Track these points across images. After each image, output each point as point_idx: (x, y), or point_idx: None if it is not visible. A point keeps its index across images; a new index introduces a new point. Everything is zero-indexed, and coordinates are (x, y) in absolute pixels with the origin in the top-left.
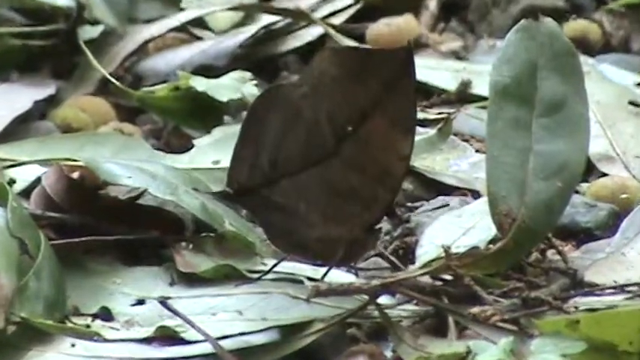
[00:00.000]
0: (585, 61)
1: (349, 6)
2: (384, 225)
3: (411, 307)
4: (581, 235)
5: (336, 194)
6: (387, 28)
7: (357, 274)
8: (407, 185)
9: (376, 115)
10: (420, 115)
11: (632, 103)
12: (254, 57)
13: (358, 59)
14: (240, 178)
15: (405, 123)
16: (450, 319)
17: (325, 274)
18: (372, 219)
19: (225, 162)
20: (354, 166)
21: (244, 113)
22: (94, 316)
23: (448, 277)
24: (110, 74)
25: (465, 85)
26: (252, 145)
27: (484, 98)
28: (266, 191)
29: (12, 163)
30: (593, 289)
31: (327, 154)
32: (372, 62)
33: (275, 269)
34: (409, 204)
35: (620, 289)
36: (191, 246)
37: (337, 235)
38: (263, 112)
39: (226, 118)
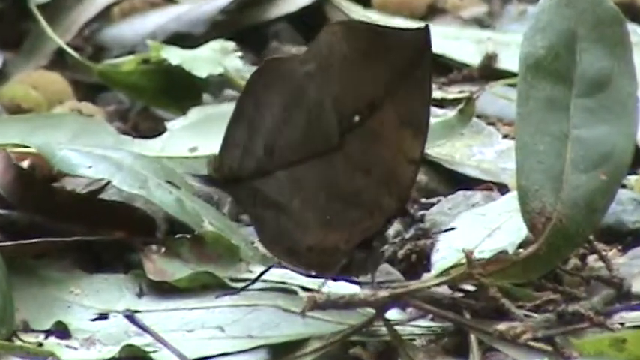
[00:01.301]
0: (634, 30)
1: None
2: (395, 225)
3: (425, 322)
4: (628, 238)
5: (335, 195)
6: None
7: (361, 284)
8: (421, 177)
9: (385, 107)
10: (437, 94)
11: None
12: (238, 24)
13: (372, 39)
14: (231, 164)
15: (416, 121)
16: (472, 337)
17: (323, 283)
18: (373, 228)
19: (204, 149)
20: (358, 165)
21: (226, 91)
22: (48, 333)
23: (470, 288)
24: (67, 44)
25: (490, 58)
26: (246, 127)
27: (513, 74)
28: (258, 182)
29: None
30: None
31: (329, 146)
32: (387, 44)
33: (263, 277)
34: (423, 200)
35: None
36: (163, 249)
37: (333, 244)
38: (261, 89)
39: (205, 96)
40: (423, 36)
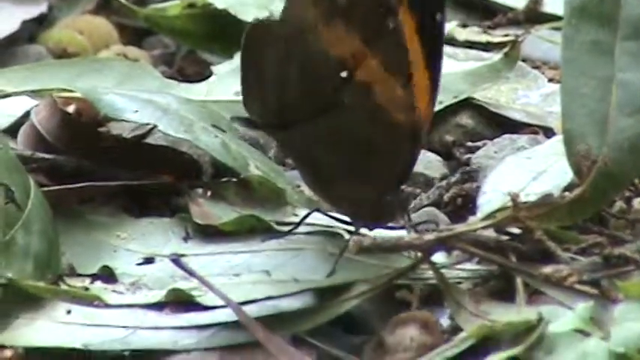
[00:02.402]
0: None
1: None
2: (440, 168)
3: (471, 266)
4: None
5: (351, 146)
6: None
7: (408, 227)
8: (466, 121)
9: (368, 59)
10: (483, 38)
11: None
12: None
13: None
14: (257, 114)
15: (399, 68)
16: (518, 281)
17: (366, 228)
18: (392, 175)
19: None
20: (362, 115)
21: None
22: (94, 277)
23: (516, 231)
24: None
25: (536, 1)
26: (256, 83)
27: (558, 17)
28: (283, 134)
29: None
30: None
31: (329, 102)
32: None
33: (309, 221)
34: (469, 143)
35: None
36: (209, 193)
37: (360, 194)
38: (253, 51)
39: None
40: None
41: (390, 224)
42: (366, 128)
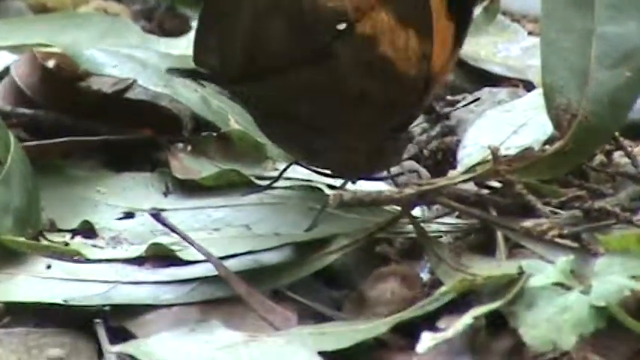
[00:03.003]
0: None
1: None
2: (420, 123)
3: (451, 220)
4: None
5: (343, 97)
6: None
7: (389, 179)
8: None
9: (376, 11)
10: None
11: None
12: None
13: None
14: (211, 65)
15: (417, 19)
16: (499, 235)
17: (345, 182)
18: (392, 126)
19: None
20: (358, 68)
21: None
22: (74, 232)
23: (496, 185)
24: None
25: None
26: (215, 34)
27: None
28: (249, 86)
29: None
30: None
31: (320, 53)
32: None
33: (289, 175)
34: (449, 97)
35: None
36: (189, 148)
37: (351, 143)
38: (219, 11)
39: None
40: None
41: (380, 173)
42: (366, 80)
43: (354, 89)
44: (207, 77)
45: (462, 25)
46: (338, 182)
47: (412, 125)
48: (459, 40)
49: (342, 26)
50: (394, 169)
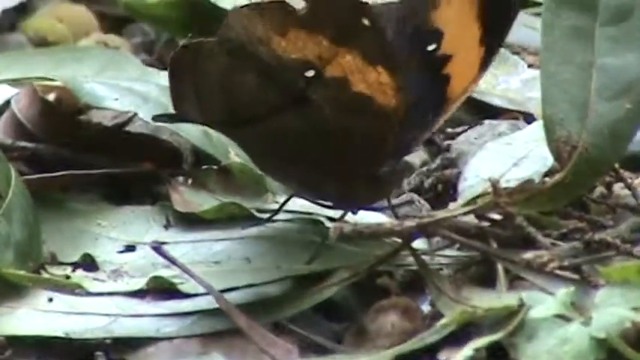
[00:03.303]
0: None
1: None
2: (421, 155)
3: (452, 252)
4: None
5: (326, 138)
6: None
7: (390, 211)
8: None
9: (341, 55)
10: None
11: None
12: None
13: (286, 12)
14: (190, 114)
15: (383, 57)
16: (499, 267)
17: (345, 214)
18: (382, 155)
19: None
20: (336, 106)
21: None
22: (75, 266)
23: (497, 217)
24: None
25: None
26: (191, 89)
27: (538, 3)
28: (230, 131)
29: None
30: None
31: (296, 98)
32: (316, 9)
33: (289, 208)
34: (449, 129)
35: None
36: (190, 181)
37: (347, 176)
38: (185, 69)
39: None
40: None
41: (377, 203)
42: (347, 118)
43: (337, 128)
44: (193, 121)
45: (490, 50)
46: (338, 214)
47: (412, 156)
48: (485, 63)
49: (310, 73)
50: (395, 201)
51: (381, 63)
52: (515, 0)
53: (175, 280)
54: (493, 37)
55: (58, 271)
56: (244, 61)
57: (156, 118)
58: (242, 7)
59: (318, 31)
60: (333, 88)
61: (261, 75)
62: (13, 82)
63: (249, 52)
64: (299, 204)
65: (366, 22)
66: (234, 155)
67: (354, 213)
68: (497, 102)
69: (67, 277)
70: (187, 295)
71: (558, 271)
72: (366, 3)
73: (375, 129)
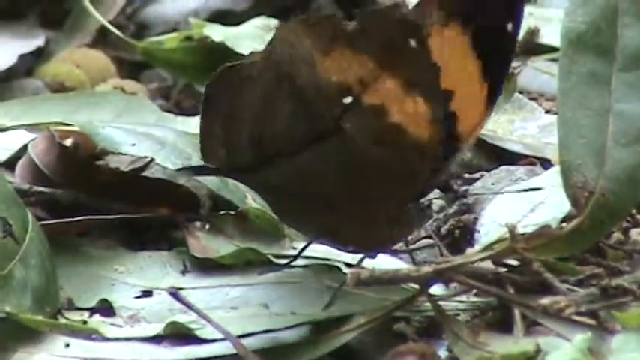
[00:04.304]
0: None
1: None
2: (437, 201)
3: (469, 297)
4: None
5: (355, 171)
6: None
7: (408, 254)
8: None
9: (381, 80)
10: None
11: None
12: (280, 0)
13: (336, 28)
14: (218, 159)
15: (424, 85)
16: (516, 312)
17: (362, 259)
18: (412, 193)
19: None
20: (368, 139)
21: None
22: (92, 311)
23: (514, 263)
24: (109, 22)
25: (532, 33)
26: (221, 123)
27: (555, 49)
28: (259, 174)
29: None
30: None
31: (328, 129)
32: (361, 27)
33: (307, 254)
34: (467, 175)
35: None
36: (207, 226)
37: (369, 218)
38: (228, 89)
39: None
40: (399, 10)
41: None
42: (378, 149)
43: (367, 160)
44: (216, 172)
45: (494, 88)
46: (355, 258)
47: (429, 199)
48: (490, 102)
49: (348, 99)
50: (412, 245)
51: (420, 91)
52: (511, 30)
53: (192, 326)
54: (493, 72)
55: (75, 317)
56: (282, 84)
57: (180, 171)
58: (290, 21)
59: (364, 51)
60: (370, 117)
61: (296, 101)
62: (31, 128)
63: (289, 73)
64: (316, 250)
65: (413, 43)
66: (251, 200)
67: (373, 257)
68: (514, 148)
69: (84, 322)
70: (204, 341)
71: (575, 317)
72: (417, 23)
73: (409, 165)
